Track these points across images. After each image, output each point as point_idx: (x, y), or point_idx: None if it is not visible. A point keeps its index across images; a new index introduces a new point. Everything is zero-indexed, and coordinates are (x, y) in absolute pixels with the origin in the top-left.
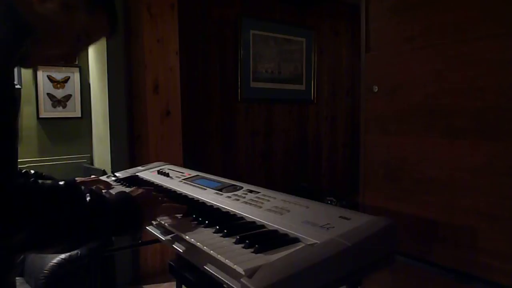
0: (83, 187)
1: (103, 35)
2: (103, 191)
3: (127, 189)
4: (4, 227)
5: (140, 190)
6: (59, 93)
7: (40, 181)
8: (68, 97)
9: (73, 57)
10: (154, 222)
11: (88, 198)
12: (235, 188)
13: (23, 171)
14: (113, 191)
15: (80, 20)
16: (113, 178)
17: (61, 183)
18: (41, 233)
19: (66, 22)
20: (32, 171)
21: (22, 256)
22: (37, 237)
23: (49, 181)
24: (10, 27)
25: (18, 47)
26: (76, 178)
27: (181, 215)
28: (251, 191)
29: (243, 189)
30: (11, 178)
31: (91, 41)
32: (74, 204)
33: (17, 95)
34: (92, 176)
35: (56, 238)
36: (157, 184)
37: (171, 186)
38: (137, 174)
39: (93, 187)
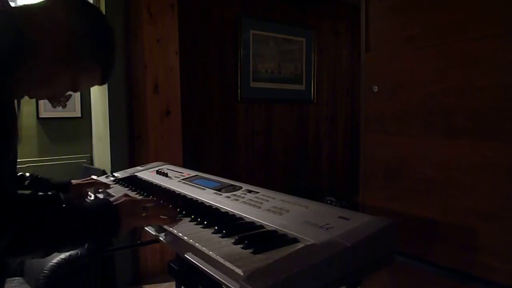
0: (62, 196)
1: (93, 85)
2: (99, 192)
3: (121, 191)
4: None
5: (122, 199)
6: None
7: (18, 192)
8: (68, 97)
9: (57, 99)
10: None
11: (63, 205)
12: (234, 188)
13: (18, 174)
14: (111, 191)
15: (77, 69)
16: (112, 178)
17: (40, 193)
18: (20, 241)
19: (63, 66)
20: (28, 174)
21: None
22: (16, 245)
23: (27, 192)
24: (13, 40)
25: (19, 61)
26: (72, 181)
27: (172, 219)
28: (250, 191)
29: (242, 189)
30: None
31: (78, 89)
32: (50, 211)
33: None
34: (89, 178)
35: (34, 244)
36: (155, 184)
37: (169, 186)
38: (136, 174)
39: (91, 188)
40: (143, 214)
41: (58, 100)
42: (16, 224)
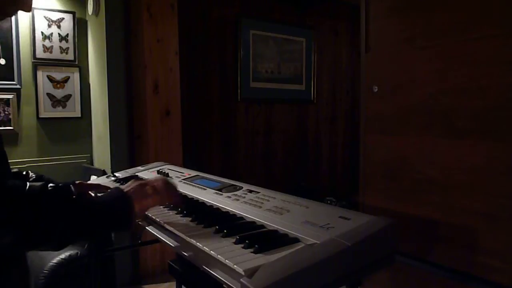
0: (71, 186)
1: None
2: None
3: None
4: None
5: (132, 184)
6: (59, 93)
7: (28, 183)
8: (68, 97)
9: (27, 3)
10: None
11: (74, 196)
12: (235, 188)
13: (23, 172)
14: None
15: None
16: (113, 178)
17: (50, 185)
18: (31, 232)
19: None
20: (31, 173)
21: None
22: (27, 237)
23: (38, 183)
24: None
25: None
26: (76, 182)
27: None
28: (251, 191)
29: (243, 189)
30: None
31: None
32: (61, 201)
33: None
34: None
35: (47, 236)
36: None
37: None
38: (136, 174)
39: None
40: (154, 195)
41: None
42: (28, 215)
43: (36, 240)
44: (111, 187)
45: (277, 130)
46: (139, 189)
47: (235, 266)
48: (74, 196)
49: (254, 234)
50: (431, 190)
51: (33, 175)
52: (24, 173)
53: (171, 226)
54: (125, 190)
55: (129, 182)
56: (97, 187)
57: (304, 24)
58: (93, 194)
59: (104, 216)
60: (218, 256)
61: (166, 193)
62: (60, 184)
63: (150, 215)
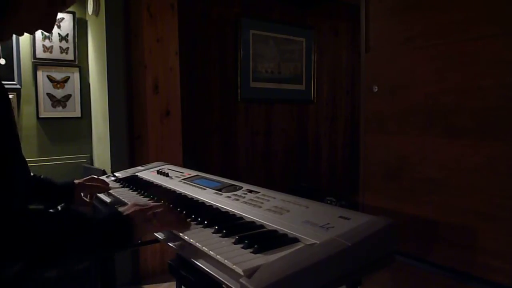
0: (73, 209)
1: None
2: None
3: (123, 191)
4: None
5: (132, 208)
6: (59, 93)
7: (32, 207)
8: (68, 97)
9: (50, 24)
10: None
11: (76, 220)
12: (234, 188)
13: None
14: (112, 191)
15: None
16: (113, 178)
17: (51, 211)
18: (37, 260)
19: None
20: (31, 174)
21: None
22: (33, 264)
23: (41, 207)
24: None
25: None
26: (75, 181)
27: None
28: (250, 191)
29: (242, 189)
30: (5, 207)
31: (65, 4)
32: (62, 229)
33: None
34: (89, 177)
35: (51, 262)
36: (156, 184)
37: (170, 186)
38: (136, 174)
39: (93, 190)
40: (154, 221)
41: (51, 26)
42: (32, 244)
43: (43, 265)
44: (111, 186)
45: (277, 130)
46: (140, 212)
47: (234, 266)
48: (76, 221)
49: (253, 234)
50: (431, 190)
51: (32, 178)
52: None
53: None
54: (125, 214)
55: (129, 205)
56: (97, 188)
57: (304, 24)
58: (107, 198)
59: (105, 240)
60: (218, 256)
61: (169, 223)
62: (59, 207)
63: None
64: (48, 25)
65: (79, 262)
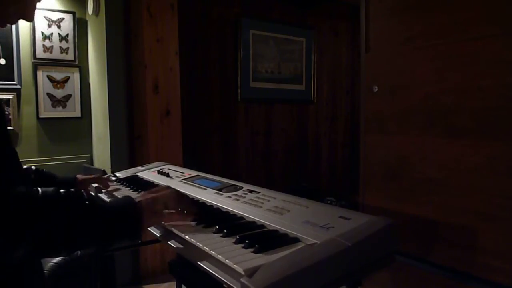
0: (83, 192)
1: None
2: (101, 192)
3: (123, 191)
4: (6, 240)
5: (144, 196)
6: (59, 93)
7: (39, 189)
8: (68, 97)
9: (32, 13)
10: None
11: (86, 204)
12: (235, 188)
13: (24, 167)
14: (113, 192)
15: None
16: (113, 178)
17: (62, 191)
18: (43, 241)
19: None
20: (33, 167)
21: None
22: (39, 246)
23: (50, 189)
24: None
25: None
26: (77, 176)
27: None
28: (251, 191)
29: (243, 189)
30: (9, 187)
31: None
32: (73, 210)
33: None
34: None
35: (58, 244)
36: (157, 184)
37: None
38: (137, 174)
39: (94, 185)
40: (165, 211)
41: (32, 15)
42: (41, 225)
43: (50, 247)
44: (111, 178)
45: (277, 130)
46: (151, 203)
47: (235, 265)
48: (87, 202)
49: (254, 234)
50: (431, 190)
51: (33, 171)
52: (25, 167)
53: (171, 226)
54: (137, 200)
55: (142, 193)
56: (98, 180)
57: (304, 24)
58: (106, 198)
59: (114, 226)
60: (218, 256)
61: (177, 208)
62: (72, 190)
63: None
64: (30, 14)
65: (86, 247)
